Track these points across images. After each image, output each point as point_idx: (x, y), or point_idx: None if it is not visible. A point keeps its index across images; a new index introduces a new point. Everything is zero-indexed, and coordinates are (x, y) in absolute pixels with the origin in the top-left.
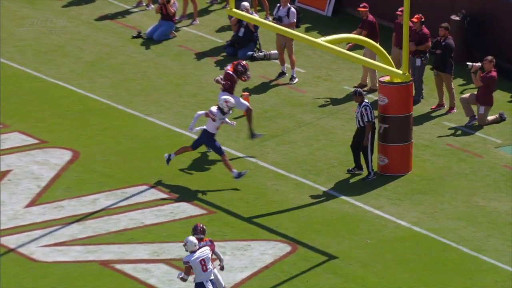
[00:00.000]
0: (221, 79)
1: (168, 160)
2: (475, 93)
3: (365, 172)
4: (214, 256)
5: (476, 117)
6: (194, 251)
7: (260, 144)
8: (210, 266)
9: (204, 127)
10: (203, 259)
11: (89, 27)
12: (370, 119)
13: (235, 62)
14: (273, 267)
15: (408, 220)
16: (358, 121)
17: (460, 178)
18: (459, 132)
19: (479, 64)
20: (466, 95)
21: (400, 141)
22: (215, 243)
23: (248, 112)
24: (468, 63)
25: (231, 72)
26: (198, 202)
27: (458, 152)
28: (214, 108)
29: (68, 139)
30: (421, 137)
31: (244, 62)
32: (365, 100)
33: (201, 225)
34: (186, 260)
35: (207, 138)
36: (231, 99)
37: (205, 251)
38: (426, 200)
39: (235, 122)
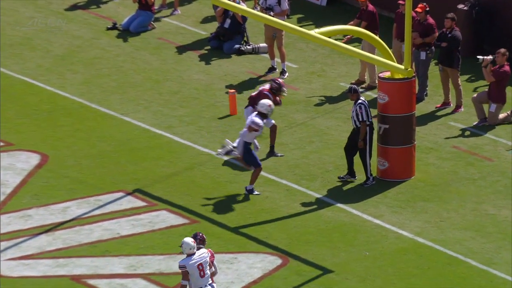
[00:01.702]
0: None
1: (251, 192)
2: (487, 90)
3: (362, 178)
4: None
5: (487, 120)
6: (191, 254)
7: None
8: (207, 271)
9: (241, 138)
10: (201, 264)
11: (59, 18)
12: (364, 119)
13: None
14: (262, 282)
15: (411, 230)
16: (354, 121)
17: (468, 183)
18: (466, 133)
19: (490, 57)
20: (478, 93)
21: (402, 143)
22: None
23: (273, 128)
24: (478, 56)
25: (267, 93)
26: (180, 210)
27: (466, 155)
28: (257, 119)
29: (36, 141)
30: (425, 138)
31: (280, 80)
32: (361, 98)
33: (200, 234)
34: (182, 264)
35: (247, 149)
36: (271, 102)
37: (203, 255)
38: (431, 208)
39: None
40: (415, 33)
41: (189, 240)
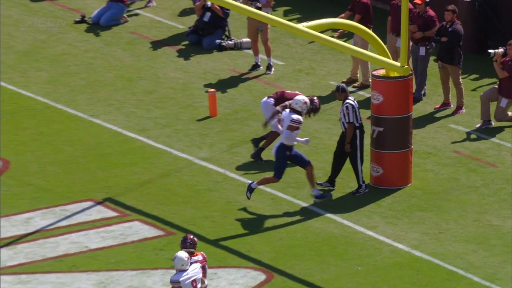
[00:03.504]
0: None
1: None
2: (496, 86)
3: (354, 185)
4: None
5: (492, 123)
6: (183, 270)
7: (229, 152)
8: (199, 285)
9: (281, 141)
10: (194, 280)
11: (22, 10)
12: (351, 120)
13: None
14: None
15: (407, 243)
16: (342, 123)
17: (469, 191)
18: (468, 136)
19: (502, 50)
20: (488, 90)
21: (398, 147)
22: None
23: (275, 133)
24: (490, 50)
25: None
26: (154, 221)
27: (467, 160)
28: (295, 115)
29: None
30: (423, 142)
31: (316, 99)
32: (350, 98)
33: (191, 237)
34: (175, 280)
35: (284, 153)
36: (307, 99)
37: (196, 270)
38: (429, 218)
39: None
40: (414, 27)
41: (182, 255)
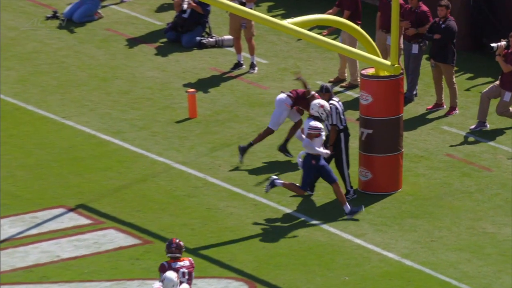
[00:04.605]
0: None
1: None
2: (497, 83)
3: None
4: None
5: (487, 125)
6: None
7: (209, 155)
8: None
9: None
10: None
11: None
12: (334, 122)
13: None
14: None
15: (397, 252)
16: (326, 125)
17: (463, 197)
18: (462, 139)
19: (504, 42)
20: (489, 87)
21: (387, 150)
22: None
23: (298, 123)
24: (492, 44)
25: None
26: (130, 229)
27: (461, 164)
28: (313, 122)
29: None
30: (414, 145)
31: (327, 84)
32: (334, 98)
33: (177, 241)
34: None
35: (309, 163)
36: (326, 103)
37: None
38: (420, 226)
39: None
40: (406, 23)
41: (172, 275)
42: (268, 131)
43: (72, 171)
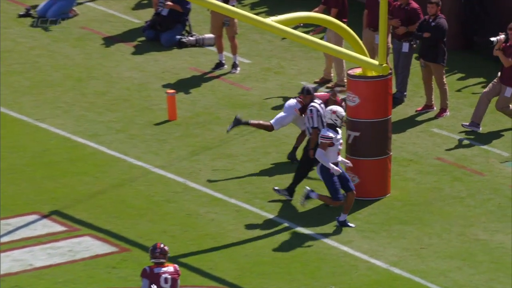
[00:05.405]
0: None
1: (344, 223)
2: (495, 81)
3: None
4: None
5: (480, 127)
6: None
7: (189, 159)
8: None
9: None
10: None
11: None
12: (315, 125)
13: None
14: None
15: (385, 259)
16: (307, 128)
17: (454, 203)
18: (453, 142)
19: (503, 36)
20: (489, 87)
21: (375, 154)
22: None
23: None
24: (491, 38)
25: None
26: (107, 236)
27: (452, 168)
28: (324, 132)
29: None
30: (403, 148)
31: (337, 89)
32: (316, 100)
33: (161, 246)
34: None
35: (327, 173)
36: (338, 108)
37: None
38: (409, 232)
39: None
40: (396, 21)
41: None
42: (268, 126)
43: (46, 175)
